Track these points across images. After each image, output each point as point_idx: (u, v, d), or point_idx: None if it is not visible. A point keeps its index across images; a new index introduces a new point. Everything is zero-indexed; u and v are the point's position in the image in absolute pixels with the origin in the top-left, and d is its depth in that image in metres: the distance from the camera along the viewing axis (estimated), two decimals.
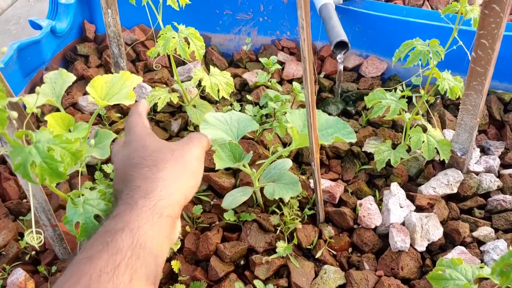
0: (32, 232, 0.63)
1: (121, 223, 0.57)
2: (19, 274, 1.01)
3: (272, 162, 1.12)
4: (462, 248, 1.04)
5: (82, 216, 0.73)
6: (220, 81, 1.25)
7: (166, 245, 0.61)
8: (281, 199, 1.11)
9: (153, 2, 1.21)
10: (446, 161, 1.15)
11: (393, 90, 1.20)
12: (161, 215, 0.59)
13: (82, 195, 0.75)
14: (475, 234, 1.08)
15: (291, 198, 1.10)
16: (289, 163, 1.12)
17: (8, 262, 1.06)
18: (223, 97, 1.25)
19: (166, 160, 0.66)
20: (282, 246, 1.02)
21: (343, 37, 1.30)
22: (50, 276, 1.04)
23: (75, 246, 1.05)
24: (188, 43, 1.18)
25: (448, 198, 1.18)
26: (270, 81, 1.31)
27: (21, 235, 1.12)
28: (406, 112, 1.19)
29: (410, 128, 1.19)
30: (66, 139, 0.62)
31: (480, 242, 1.08)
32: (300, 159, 1.27)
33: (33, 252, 1.08)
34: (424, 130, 1.17)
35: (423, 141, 1.13)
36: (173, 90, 1.41)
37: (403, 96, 1.16)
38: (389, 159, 1.16)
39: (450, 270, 0.79)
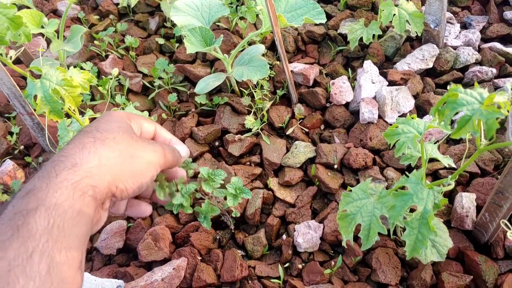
0: None
1: (35, 202, 0.47)
2: (8, 164, 1.07)
3: (245, 49, 1.13)
4: (432, 117, 1.04)
5: (40, 89, 0.77)
6: None
7: (88, 229, 0.51)
8: (254, 84, 1.12)
9: None
10: (419, 34, 1.13)
11: None
12: (84, 194, 0.50)
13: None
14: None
15: (261, 80, 1.11)
16: (261, 48, 1.13)
17: (0, 157, 1.13)
18: None
19: (118, 142, 0.57)
20: (250, 120, 1.05)
21: None
22: (38, 166, 1.11)
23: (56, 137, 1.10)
24: None
25: (426, 74, 1.17)
26: None
27: (11, 133, 1.18)
28: None
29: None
30: (1, 4, 0.64)
31: None
32: (276, 47, 1.27)
33: (22, 147, 1.15)
34: (397, 5, 1.14)
35: (394, 14, 1.11)
36: None
37: None
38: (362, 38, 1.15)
39: (403, 125, 0.81)
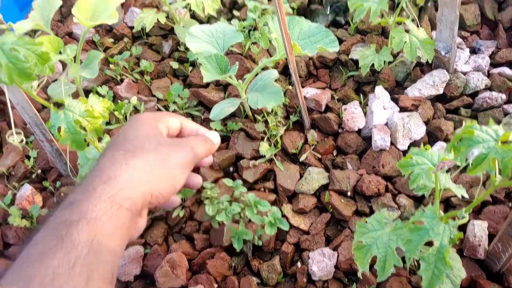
0: (12, 134, 0.68)
1: (77, 214, 0.51)
2: (26, 189, 1.09)
3: (258, 74, 1.15)
4: (443, 143, 1.06)
5: (63, 121, 0.79)
6: None
7: (124, 241, 0.55)
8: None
9: None
10: (430, 61, 1.15)
11: None
12: (120, 207, 0.53)
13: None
14: (458, 131, 1.10)
15: (276, 106, 1.13)
16: (274, 73, 1.15)
17: (17, 180, 1.15)
18: (212, 16, 1.26)
19: (147, 151, 0.59)
20: (265, 147, 1.07)
21: None
22: (56, 191, 1.13)
23: (76, 161, 1.12)
24: None
25: (436, 99, 1.19)
26: None
27: (28, 157, 1.20)
28: (388, 15, 1.18)
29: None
30: (30, 40, 0.66)
31: None
32: (289, 71, 1.29)
33: (39, 171, 1.17)
34: (408, 31, 1.16)
35: (405, 42, 1.13)
36: (164, 12, 1.43)
37: None
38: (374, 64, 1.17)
39: (418, 157, 0.82)
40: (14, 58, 0.63)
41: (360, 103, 1.18)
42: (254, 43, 1.28)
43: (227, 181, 1.00)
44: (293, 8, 1.42)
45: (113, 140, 0.63)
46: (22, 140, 0.72)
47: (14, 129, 0.68)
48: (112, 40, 1.40)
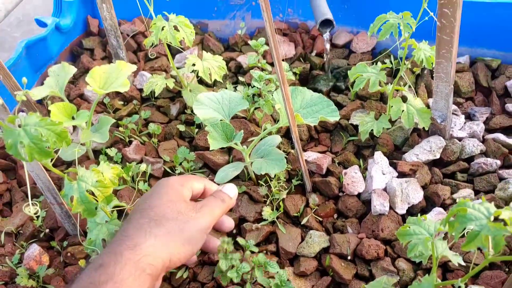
0: (28, 205, 0.72)
1: (105, 276, 0.59)
2: (34, 249, 1.12)
3: (262, 139, 1.20)
4: (440, 209, 1.09)
5: (76, 191, 0.83)
6: (212, 65, 1.32)
7: None
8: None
9: None
10: (427, 129, 1.20)
11: (374, 63, 1.25)
12: (143, 272, 0.61)
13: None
14: (455, 196, 1.14)
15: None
16: (277, 139, 1.20)
17: (25, 240, 1.18)
18: (218, 81, 1.33)
19: (168, 219, 0.68)
20: (268, 211, 1.10)
21: (328, 15, 1.36)
22: (63, 250, 1.15)
23: (84, 223, 1.15)
24: (179, 31, 1.26)
25: (433, 164, 1.23)
26: (260, 62, 1.38)
27: (37, 216, 1.23)
28: (386, 83, 1.25)
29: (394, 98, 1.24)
30: (51, 122, 0.71)
31: None
32: (291, 134, 1.34)
33: (47, 230, 1.20)
34: (405, 100, 1.22)
35: (403, 110, 1.18)
36: (172, 77, 1.50)
37: (386, 68, 1.21)
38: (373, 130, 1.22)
39: (415, 226, 0.86)
40: (36, 138, 0.68)
41: (360, 167, 1.22)
42: (257, 107, 1.34)
43: (240, 240, 1.03)
44: (295, 73, 1.49)
45: (140, 206, 0.72)
46: (37, 212, 0.75)
47: (30, 201, 0.72)
48: (121, 102, 1.46)
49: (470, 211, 0.70)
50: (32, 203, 0.72)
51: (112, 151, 1.28)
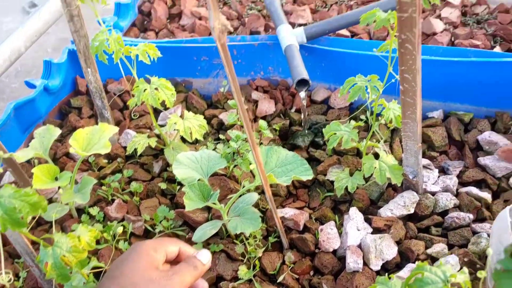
0: (1, 274, 0.74)
1: None
2: None
3: (241, 196, 1.23)
4: (413, 265, 1.11)
5: (51, 257, 0.85)
6: (193, 124, 1.37)
7: None
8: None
9: (129, 57, 1.34)
10: (399, 185, 1.24)
11: (349, 120, 1.30)
12: None
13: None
14: (429, 251, 1.16)
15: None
16: (254, 197, 1.23)
17: None
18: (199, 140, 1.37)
19: (137, 286, 0.72)
20: (243, 271, 1.12)
21: (304, 75, 1.42)
22: None
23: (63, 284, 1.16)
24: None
25: (408, 218, 1.26)
26: (240, 120, 1.43)
27: (18, 277, 1.24)
28: (361, 139, 1.29)
29: (367, 154, 1.28)
30: (25, 193, 0.75)
31: (434, 259, 1.15)
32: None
33: None
34: (377, 157, 1.26)
35: (375, 167, 1.22)
36: (156, 135, 1.55)
37: (359, 126, 1.26)
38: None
39: (382, 286, 0.88)
40: (9, 210, 0.71)
41: (336, 222, 1.25)
42: (236, 165, 1.38)
43: None
44: (275, 130, 1.54)
45: (112, 272, 0.74)
46: (10, 280, 0.77)
47: (4, 270, 0.74)
48: (106, 160, 1.50)
49: (427, 274, 0.73)
50: (5, 272, 0.74)
51: (94, 210, 1.30)
